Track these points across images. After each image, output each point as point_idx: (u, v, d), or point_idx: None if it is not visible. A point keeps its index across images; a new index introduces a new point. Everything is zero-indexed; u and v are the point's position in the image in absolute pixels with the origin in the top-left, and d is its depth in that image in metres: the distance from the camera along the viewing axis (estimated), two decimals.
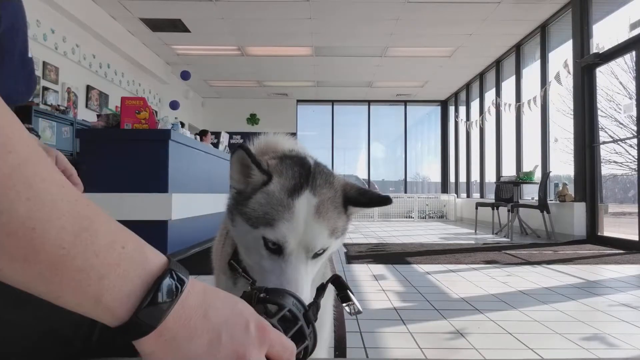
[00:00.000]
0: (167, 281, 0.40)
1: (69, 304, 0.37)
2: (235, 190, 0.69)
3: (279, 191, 0.64)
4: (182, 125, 5.25)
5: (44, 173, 0.36)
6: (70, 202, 0.37)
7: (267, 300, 0.51)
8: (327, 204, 0.66)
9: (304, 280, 0.63)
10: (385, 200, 0.69)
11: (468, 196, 9.93)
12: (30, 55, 0.65)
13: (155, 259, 0.41)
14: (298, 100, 11.68)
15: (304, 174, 0.67)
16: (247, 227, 0.65)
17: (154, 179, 3.61)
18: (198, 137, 5.95)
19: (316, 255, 0.65)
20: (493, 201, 6.64)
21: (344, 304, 0.66)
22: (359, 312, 0.68)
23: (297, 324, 0.50)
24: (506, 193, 6.47)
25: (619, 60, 5.70)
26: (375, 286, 2.90)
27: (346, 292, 0.66)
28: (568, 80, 5.96)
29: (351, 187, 0.71)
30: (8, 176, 0.33)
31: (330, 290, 0.72)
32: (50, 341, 0.57)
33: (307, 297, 0.61)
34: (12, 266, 0.35)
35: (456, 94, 10.83)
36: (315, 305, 0.58)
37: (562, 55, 6.21)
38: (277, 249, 0.63)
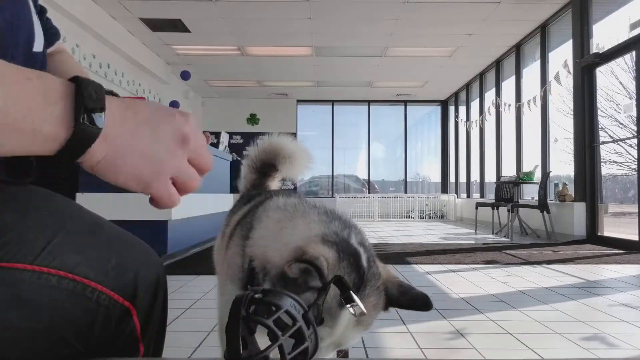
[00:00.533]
0: (88, 90, 0.43)
1: (11, 147, 0.40)
2: (276, 273, 0.64)
3: (331, 298, 0.62)
4: None
5: None
6: None
7: (263, 301, 0.50)
8: (369, 312, 0.66)
9: None
10: (426, 305, 0.69)
11: (468, 196, 9.93)
12: (38, 49, 0.63)
13: (60, 79, 0.44)
14: (298, 100, 11.68)
15: (357, 281, 0.65)
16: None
17: None
18: None
19: None
20: (493, 201, 6.64)
21: (348, 305, 0.63)
22: (362, 313, 0.65)
23: (295, 325, 0.49)
24: (506, 193, 6.47)
25: (619, 60, 5.70)
26: None
27: (349, 293, 0.63)
28: (568, 80, 5.96)
29: (392, 285, 0.72)
30: None
31: None
32: (50, 341, 0.57)
33: None
34: None
35: (456, 94, 10.83)
36: (315, 306, 0.56)
37: (562, 55, 6.21)
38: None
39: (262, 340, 0.48)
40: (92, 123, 0.42)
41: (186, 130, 0.49)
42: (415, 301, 0.69)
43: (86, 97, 0.42)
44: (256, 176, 1.07)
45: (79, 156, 0.43)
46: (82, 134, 0.41)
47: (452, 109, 11.33)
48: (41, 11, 0.78)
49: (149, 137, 0.46)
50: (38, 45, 0.63)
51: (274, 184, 1.08)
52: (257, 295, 0.50)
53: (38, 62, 0.64)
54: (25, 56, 0.60)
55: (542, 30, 6.66)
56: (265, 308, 0.49)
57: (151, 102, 0.49)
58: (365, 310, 0.64)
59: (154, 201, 0.51)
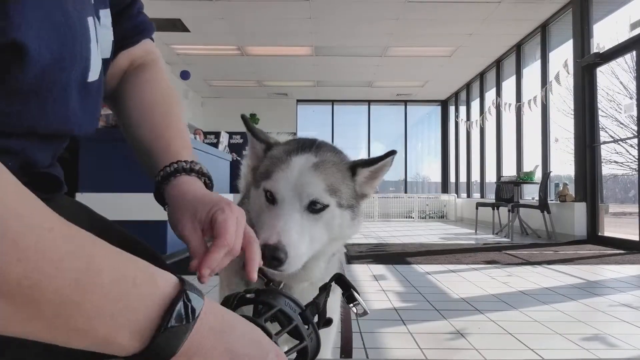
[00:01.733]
0: (181, 306, 0.38)
1: (79, 346, 0.35)
2: (251, 167, 0.77)
3: (281, 153, 0.71)
4: None
5: (42, 208, 0.34)
6: (64, 243, 0.34)
7: (255, 301, 0.49)
8: (328, 164, 0.69)
9: (295, 225, 0.64)
10: (390, 153, 0.72)
11: (468, 196, 9.92)
12: (93, 79, 0.58)
13: (166, 283, 0.39)
14: (298, 100, 11.68)
15: (308, 143, 0.73)
16: (255, 190, 0.72)
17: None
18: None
19: (314, 211, 0.66)
20: (493, 201, 6.64)
21: (350, 305, 0.64)
22: (365, 313, 0.65)
23: (291, 324, 0.48)
24: (506, 193, 6.47)
25: (620, 60, 5.69)
26: (375, 286, 2.90)
27: (351, 291, 0.63)
28: (568, 80, 5.95)
29: (360, 159, 0.76)
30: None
31: (338, 290, 0.69)
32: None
33: (296, 242, 0.63)
34: (16, 325, 0.33)
35: (456, 94, 10.82)
36: (314, 304, 0.55)
37: (562, 55, 6.21)
38: (272, 198, 0.67)
39: None
40: (172, 340, 0.36)
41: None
42: (378, 156, 0.75)
43: (178, 311, 0.37)
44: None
45: None
46: (156, 351, 0.36)
47: (452, 108, 11.32)
48: (130, 5, 0.73)
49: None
50: (93, 75, 0.58)
51: None
52: (248, 296, 0.50)
53: (92, 92, 0.59)
54: (79, 88, 0.56)
55: (543, 30, 6.66)
56: (261, 308, 0.49)
57: (247, 331, 0.42)
58: (367, 310, 0.64)
59: None
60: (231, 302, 0.49)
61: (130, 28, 0.73)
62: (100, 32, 0.60)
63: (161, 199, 0.65)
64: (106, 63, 0.64)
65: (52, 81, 0.50)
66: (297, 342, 0.49)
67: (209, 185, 0.65)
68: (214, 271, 0.54)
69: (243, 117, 0.76)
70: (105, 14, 0.63)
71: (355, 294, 0.63)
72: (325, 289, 0.58)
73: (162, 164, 0.65)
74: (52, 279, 0.32)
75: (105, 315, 0.35)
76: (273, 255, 0.61)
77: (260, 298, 0.49)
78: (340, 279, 0.63)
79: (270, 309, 0.48)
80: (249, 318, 0.46)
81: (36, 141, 0.54)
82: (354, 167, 0.72)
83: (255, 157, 0.77)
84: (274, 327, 0.47)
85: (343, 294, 0.64)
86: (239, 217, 0.55)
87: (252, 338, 0.42)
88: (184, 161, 0.64)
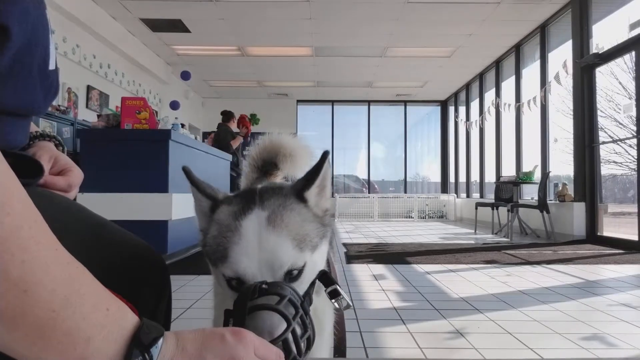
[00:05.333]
0: (148, 327, 0.41)
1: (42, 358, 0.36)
2: (200, 231, 0.65)
3: (227, 217, 0.59)
4: (183, 126, 5.25)
5: (39, 236, 0.36)
6: (62, 265, 0.37)
7: (269, 292, 0.52)
8: (280, 211, 0.58)
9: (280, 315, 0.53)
10: (323, 155, 0.63)
11: (468, 196, 9.93)
12: (52, 67, 0.65)
13: (132, 316, 0.43)
14: (298, 100, 11.68)
15: (250, 195, 0.62)
16: (213, 268, 0.60)
17: (154, 179, 3.62)
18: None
19: (293, 278, 0.57)
20: (493, 201, 6.64)
21: (333, 300, 0.65)
22: (348, 306, 0.66)
23: (299, 313, 0.52)
24: (506, 193, 6.47)
25: (619, 60, 5.70)
26: (375, 286, 2.91)
27: (335, 287, 0.64)
28: (568, 81, 5.96)
29: (298, 180, 0.66)
30: (4, 239, 0.33)
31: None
32: None
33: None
34: None
35: (456, 94, 10.83)
36: (308, 296, 0.58)
37: (561, 55, 6.21)
38: (240, 286, 0.55)
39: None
40: None
41: (239, 355, 0.43)
42: (313, 167, 0.65)
43: (140, 341, 0.40)
44: (257, 175, 1.07)
45: None
46: None
47: (452, 109, 11.33)
48: None
49: None
50: (52, 64, 0.64)
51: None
52: (264, 286, 0.52)
53: (53, 80, 0.66)
54: (42, 74, 0.62)
55: (542, 30, 6.66)
56: (273, 298, 0.52)
57: (200, 333, 0.45)
58: (350, 303, 0.66)
59: None
60: (251, 292, 0.52)
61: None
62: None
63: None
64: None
65: (22, 64, 0.56)
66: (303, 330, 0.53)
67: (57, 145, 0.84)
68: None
69: (184, 169, 0.64)
70: None
71: (339, 288, 0.64)
72: (313, 284, 0.61)
73: None
74: (46, 290, 0.35)
75: (82, 336, 0.37)
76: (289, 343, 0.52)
77: (273, 289, 0.53)
78: (323, 276, 0.64)
79: (282, 299, 0.52)
80: (271, 307, 0.50)
81: (9, 119, 0.61)
82: (301, 195, 0.63)
83: (202, 215, 0.65)
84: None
85: (326, 290, 0.65)
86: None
87: (203, 333, 0.46)
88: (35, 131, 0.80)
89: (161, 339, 0.42)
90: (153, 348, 0.40)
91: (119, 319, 0.41)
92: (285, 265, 0.55)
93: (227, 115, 6.72)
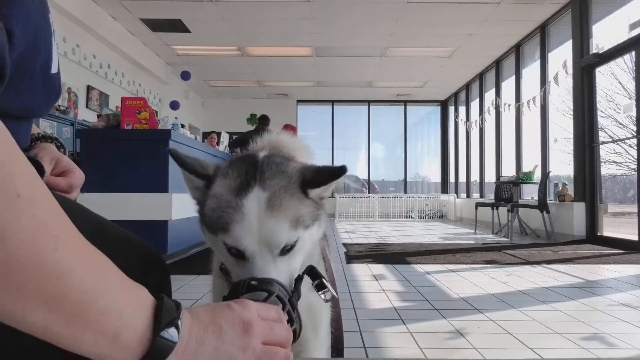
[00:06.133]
0: (168, 302, 0.45)
1: (85, 346, 0.39)
2: (195, 200, 0.67)
3: (226, 193, 0.62)
4: (183, 126, 5.26)
5: (67, 224, 0.41)
6: (87, 250, 0.42)
7: (257, 287, 0.56)
8: (280, 194, 0.62)
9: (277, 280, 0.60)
10: (341, 170, 0.66)
11: (468, 196, 9.93)
12: (54, 70, 0.65)
13: (147, 293, 0.46)
14: (298, 101, 11.68)
15: (251, 169, 0.64)
16: (211, 235, 0.64)
17: (154, 179, 3.62)
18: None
19: (286, 252, 0.62)
20: (493, 201, 6.64)
21: (320, 292, 0.68)
22: (333, 297, 0.71)
23: (285, 308, 0.56)
24: (506, 193, 6.47)
25: (619, 60, 5.70)
26: (375, 286, 2.91)
27: (321, 280, 0.68)
28: (567, 81, 5.96)
29: (307, 169, 0.67)
30: (39, 230, 0.36)
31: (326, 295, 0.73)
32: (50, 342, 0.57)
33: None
34: (35, 313, 0.37)
35: (456, 94, 10.83)
36: (296, 292, 0.61)
37: (561, 55, 6.22)
38: (240, 254, 0.61)
39: None
40: (168, 338, 0.43)
41: (246, 316, 0.49)
42: (330, 172, 0.66)
43: (166, 312, 0.44)
44: None
45: None
46: (159, 348, 0.42)
47: (452, 109, 11.33)
48: None
49: (215, 342, 0.47)
50: (55, 67, 0.65)
51: None
52: (253, 282, 0.57)
53: (55, 84, 0.67)
54: (44, 78, 0.62)
55: (542, 30, 6.66)
56: (260, 294, 0.56)
57: (209, 305, 0.51)
58: (336, 294, 0.69)
59: None
60: (241, 287, 0.56)
61: None
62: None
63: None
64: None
65: (25, 68, 0.57)
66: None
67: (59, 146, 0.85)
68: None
69: (171, 151, 0.65)
70: None
71: (324, 282, 0.68)
72: (300, 280, 0.64)
73: None
74: (77, 274, 0.38)
75: (116, 311, 0.40)
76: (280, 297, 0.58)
77: (262, 285, 0.57)
78: (311, 271, 0.67)
79: (269, 295, 0.56)
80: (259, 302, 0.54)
81: (11, 122, 0.61)
82: (305, 188, 0.65)
83: (195, 190, 0.67)
84: None
85: (312, 283, 0.68)
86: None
87: (214, 306, 0.51)
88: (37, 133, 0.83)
89: (182, 309, 0.46)
90: (177, 319, 0.45)
91: (142, 296, 0.45)
92: (282, 244, 0.61)
93: (264, 119, 7.04)
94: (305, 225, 0.63)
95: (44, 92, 0.64)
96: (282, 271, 0.61)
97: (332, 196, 10.78)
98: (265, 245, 0.60)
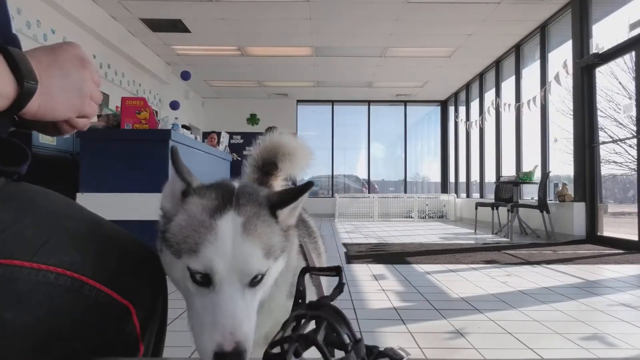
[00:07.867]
0: (14, 51, 0.53)
1: None
2: (162, 212, 0.64)
3: (200, 212, 0.58)
4: (189, 129, 5.25)
5: None
6: None
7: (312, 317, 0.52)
8: (254, 221, 0.59)
9: (243, 314, 0.55)
10: (307, 185, 0.64)
11: (468, 196, 9.93)
12: (12, 33, 0.68)
13: None
14: (298, 101, 11.68)
15: (227, 194, 0.62)
16: (171, 257, 0.59)
17: (154, 179, 3.61)
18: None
19: (254, 284, 0.58)
20: (493, 201, 6.64)
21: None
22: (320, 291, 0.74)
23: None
24: (506, 193, 6.47)
25: (619, 60, 5.70)
26: (375, 286, 2.91)
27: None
28: (568, 81, 5.96)
29: (274, 193, 0.66)
30: None
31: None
32: (48, 339, 0.57)
33: (248, 332, 0.54)
34: None
35: (456, 94, 10.83)
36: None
37: (561, 55, 6.21)
38: (205, 281, 0.55)
39: None
40: (30, 80, 0.53)
41: (80, 54, 0.62)
42: (295, 189, 0.65)
43: (19, 61, 0.53)
44: (258, 175, 1.07)
45: (23, 107, 0.54)
46: (27, 90, 0.53)
47: (452, 109, 11.33)
48: None
49: (61, 72, 0.58)
50: (13, 29, 0.69)
51: (277, 182, 1.08)
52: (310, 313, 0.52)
53: (17, 44, 0.66)
54: (6, 39, 0.64)
55: (542, 30, 6.66)
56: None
57: (47, 47, 0.60)
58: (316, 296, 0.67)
59: (71, 126, 0.66)
60: (303, 320, 0.51)
61: None
62: None
63: None
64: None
65: None
66: None
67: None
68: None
69: (173, 149, 0.64)
70: None
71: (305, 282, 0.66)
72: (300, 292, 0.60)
73: None
74: None
75: None
76: None
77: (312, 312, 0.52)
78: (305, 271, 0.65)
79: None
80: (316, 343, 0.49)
81: None
82: (274, 210, 0.63)
83: (171, 196, 0.64)
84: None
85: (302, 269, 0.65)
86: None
87: (46, 47, 0.60)
88: None
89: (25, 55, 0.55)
90: (30, 64, 0.54)
91: None
92: (254, 272, 0.57)
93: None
94: (275, 257, 0.61)
95: None
96: (249, 305, 0.57)
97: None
98: (237, 272, 0.55)
